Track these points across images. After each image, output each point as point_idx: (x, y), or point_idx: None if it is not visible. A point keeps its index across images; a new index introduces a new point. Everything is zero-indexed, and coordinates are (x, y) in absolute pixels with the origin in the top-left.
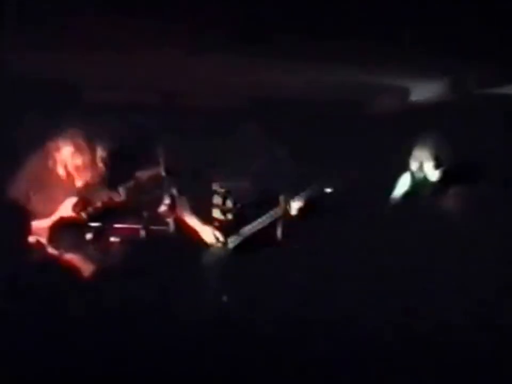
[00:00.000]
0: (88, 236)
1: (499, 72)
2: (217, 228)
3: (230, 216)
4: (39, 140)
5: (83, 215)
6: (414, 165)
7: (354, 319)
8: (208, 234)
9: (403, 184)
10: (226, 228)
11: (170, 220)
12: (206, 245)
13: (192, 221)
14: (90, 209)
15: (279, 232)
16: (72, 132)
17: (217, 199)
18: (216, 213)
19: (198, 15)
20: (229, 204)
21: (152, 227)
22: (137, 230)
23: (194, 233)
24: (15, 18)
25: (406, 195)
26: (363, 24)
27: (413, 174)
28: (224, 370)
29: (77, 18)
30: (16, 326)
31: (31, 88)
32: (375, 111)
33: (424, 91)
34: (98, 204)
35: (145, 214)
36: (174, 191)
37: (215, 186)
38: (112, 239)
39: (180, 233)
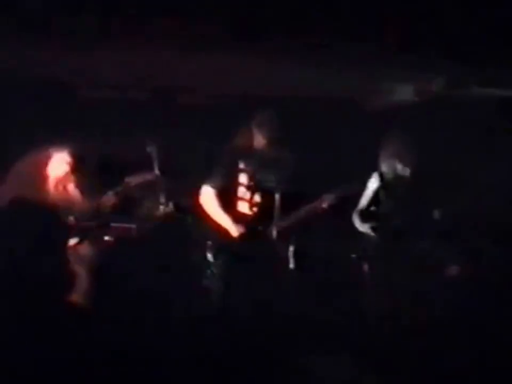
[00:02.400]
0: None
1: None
2: (244, 222)
3: (255, 210)
4: (30, 141)
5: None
6: (383, 165)
7: None
8: (235, 228)
9: (372, 185)
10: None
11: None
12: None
13: (218, 216)
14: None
15: None
16: (62, 134)
17: (244, 193)
18: (243, 207)
19: (195, 14)
20: (257, 198)
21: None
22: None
23: (219, 228)
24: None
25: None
26: (357, 25)
27: (382, 174)
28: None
29: (72, 16)
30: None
31: (23, 87)
32: (370, 109)
33: (413, 90)
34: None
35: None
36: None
37: (243, 180)
38: (106, 238)
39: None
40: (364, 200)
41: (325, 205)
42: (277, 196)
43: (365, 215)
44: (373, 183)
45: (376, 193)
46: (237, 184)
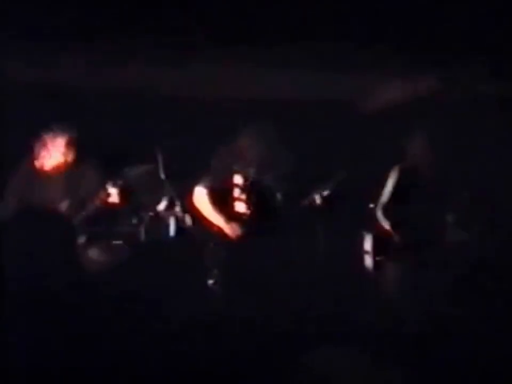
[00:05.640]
0: (81, 239)
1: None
2: (240, 222)
3: (252, 209)
4: (32, 139)
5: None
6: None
7: None
8: (231, 228)
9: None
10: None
11: (171, 221)
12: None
13: (214, 217)
14: (86, 210)
15: None
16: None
17: (240, 193)
18: (240, 207)
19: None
20: (253, 198)
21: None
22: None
23: (216, 228)
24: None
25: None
26: (353, 24)
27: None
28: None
29: (71, 21)
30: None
31: (24, 90)
32: (366, 110)
33: (413, 89)
34: (93, 206)
35: (144, 215)
36: (173, 193)
37: (238, 180)
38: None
39: (179, 234)
40: (385, 195)
41: (319, 201)
42: (274, 195)
43: (388, 211)
44: (392, 178)
45: (398, 189)
46: (232, 184)
